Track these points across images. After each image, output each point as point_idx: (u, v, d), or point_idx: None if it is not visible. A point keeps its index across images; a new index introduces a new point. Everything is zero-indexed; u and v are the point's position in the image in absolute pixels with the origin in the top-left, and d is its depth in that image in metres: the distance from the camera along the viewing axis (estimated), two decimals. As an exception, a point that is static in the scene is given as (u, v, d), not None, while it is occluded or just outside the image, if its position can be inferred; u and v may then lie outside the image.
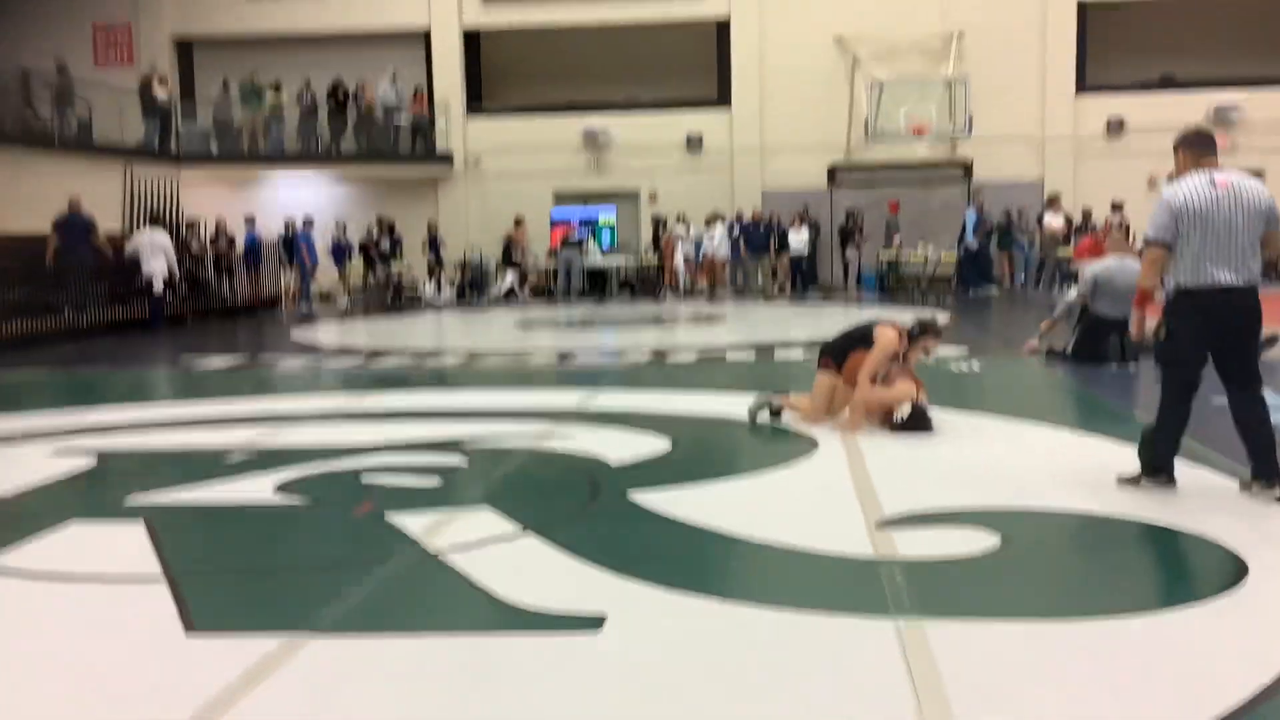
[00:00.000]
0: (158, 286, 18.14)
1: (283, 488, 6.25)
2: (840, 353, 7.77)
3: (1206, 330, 5.47)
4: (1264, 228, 5.43)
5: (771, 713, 3.25)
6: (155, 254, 18.20)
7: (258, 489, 6.25)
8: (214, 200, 24.44)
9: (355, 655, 3.75)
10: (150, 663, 3.78)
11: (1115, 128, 24.72)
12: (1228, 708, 3.18)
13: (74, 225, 17.69)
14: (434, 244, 24.28)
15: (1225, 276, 5.35)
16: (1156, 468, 5.70)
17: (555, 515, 5.54)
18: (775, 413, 7.94)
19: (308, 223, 23.24)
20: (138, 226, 21.39)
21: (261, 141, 25.56)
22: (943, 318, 16.78)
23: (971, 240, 22.62)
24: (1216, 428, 7.73)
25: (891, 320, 7.77)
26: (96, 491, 6.37)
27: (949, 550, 4.78)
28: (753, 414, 7.93)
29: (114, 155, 22.41)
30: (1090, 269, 11.14)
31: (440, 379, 11.38)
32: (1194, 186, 5.42)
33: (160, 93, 24.08)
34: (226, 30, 26.38)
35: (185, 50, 27.08)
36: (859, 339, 7.70)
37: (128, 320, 17.93)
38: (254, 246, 22.82)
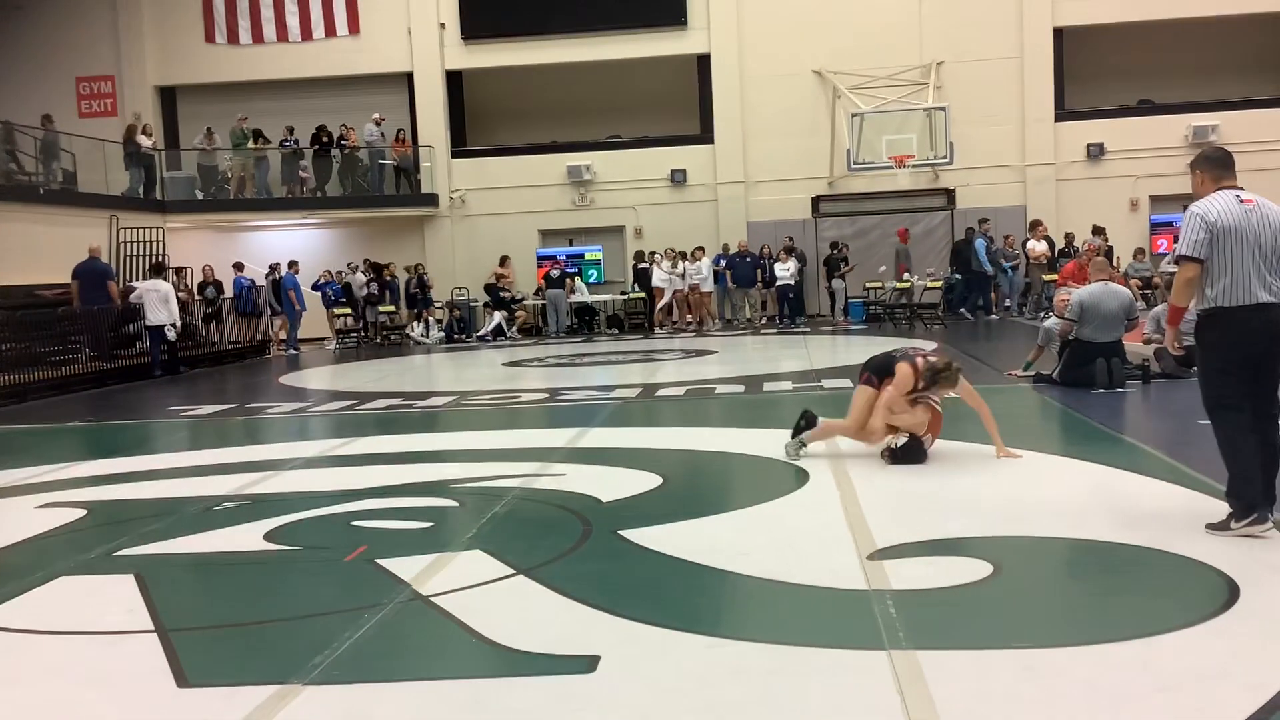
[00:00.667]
0: (170, 335, 18.30)
1: (272, 535, 6.23)
2: (880, 369, 7.66)
3: (1241, 348, 5.27)
4: None
5: (767, 750, 3.24)
6: (159, 304, 18.23)
7: (247, 538, 6.22)
8: (200, 247, 24.52)
9: (348, 704, 3.73)
10: (143, 717, 3.75)
11: (1095, 152, 24.91)
12: (1223, 732, 3.18)
13: (93, 273, 18.43)
14: (421, 285, 24.29)
15: (1262, 294, 5.21)
16: (1248, 506, 5.22)
17: (547, 555, 5.52)
18: (800, 431, 7.89)
19: (292, 266, 23.21)
20: (130, 276, 21.54)
21: (247, 188, 25.64)
22: (931, 347, 16.85)
23: (987, 267, 22.78)
24: (1203, 448, 7.77)
25: (919, 352, 7.68)
26: (86, 544, 6.33)
27: (941, 580, 4.78)
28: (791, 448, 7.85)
29: (100, 205, 22.46)
30: (1076, 294, 11.20)
31: (429, 421, 11.36)
32: (1226, 203, 5.29)
33: (144, 142, 24.17)
34: (209, 78, 26.48)
35: (169, 98, 27.19)
36: (890, 365, 7.63)
37: (130, 367, 18.11)
38: (241, 293, 22.82)
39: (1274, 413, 5.36)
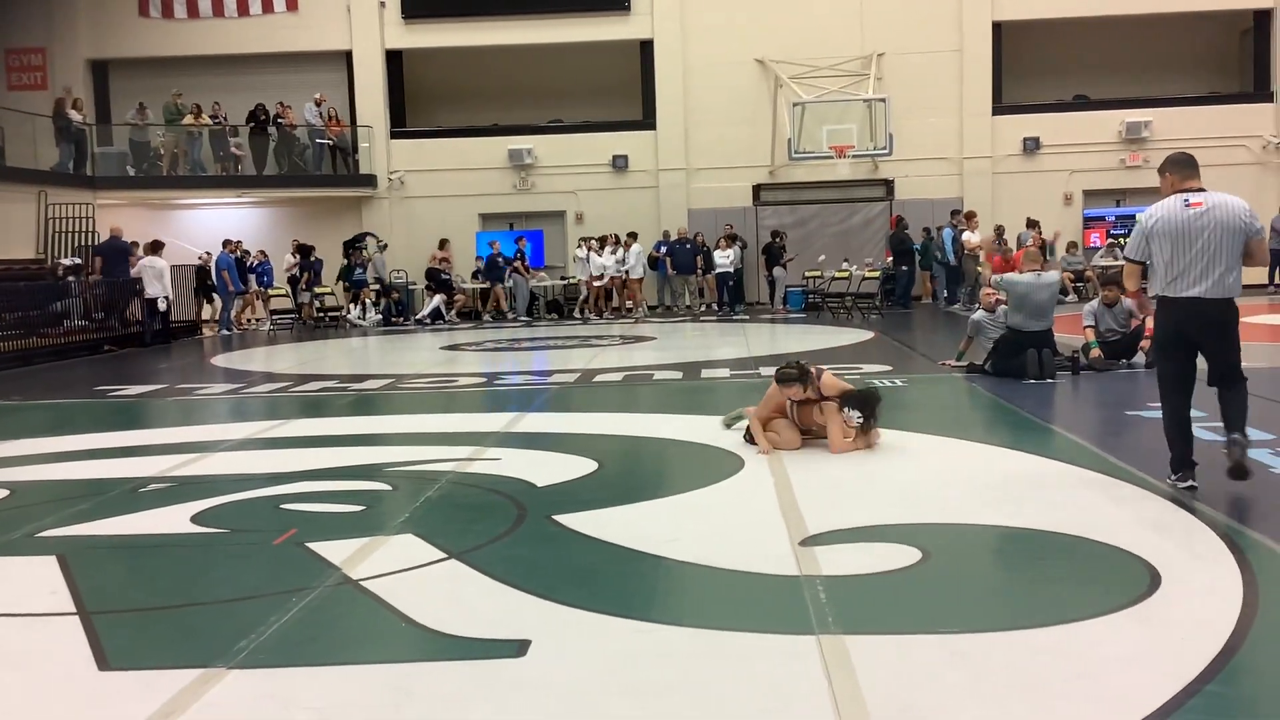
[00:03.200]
0: (161, 307, 19.96)
1: (200, 518, 6.14)
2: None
3: (1181, 332, 5.95)
4: (1244, 240, 5.86)
5: (695, 734, 3.25)
6: (156, 279, 19.96)
7: (174, 520, 6.13)
8: (131, 225, 23.97)
9: (274, 688, 3.68)
10: (63, 701, 3.68)
11: (1031, 146, 25.24)
12: (1143, 715, 3.23)
13: (115, 250, 20.20)
14: (356, 267, 24.03)
15: (1194, 289, 5.82)
16: (1174, 466, 6.06)
17: (479, 540, 5.49)
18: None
19: (226, 245, 22.85)
20: (58, 253, 21.21)
21: (181, 165, 25.20)
22: (866, 335, 16.99)
23: (950, 257, 22.95)
24: (1130, 439, 7.93)
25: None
26: (8, 524, 6.19)
27: (871, 566, 4.83)
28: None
29: (28, 180, 21.96)
30: (1009, 279, 11.32)
31: (364, 404, 11.26)
32: (1168, 208, 5.92)
33: (75, 116, 23.65)
34: (143, 52, 25.91)
35: (101, 72, 26.59)
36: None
37: (123, 338, 19.29)
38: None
39: (1238, 386, 5.95)
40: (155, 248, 20.81)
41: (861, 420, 7.36)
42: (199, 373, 15.35)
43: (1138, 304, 6.66)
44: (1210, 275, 5.79)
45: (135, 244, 20.80)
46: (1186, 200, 5.87)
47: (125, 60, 26.29)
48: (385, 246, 24.57)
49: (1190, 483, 5.93)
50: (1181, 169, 6.02)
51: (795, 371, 7.56)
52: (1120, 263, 23.35)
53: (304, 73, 25.86)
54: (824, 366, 7.98)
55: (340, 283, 24.15)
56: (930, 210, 24.35)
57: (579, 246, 24.30)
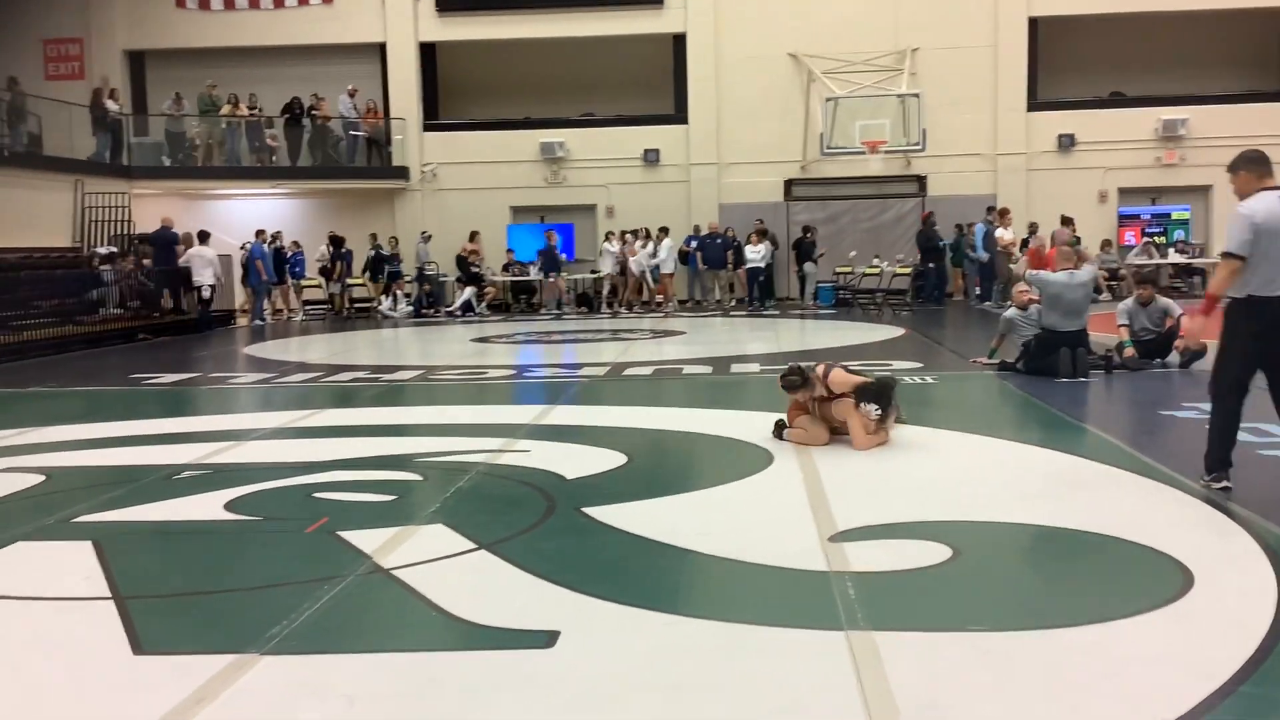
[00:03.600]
0: (205, 294, 20.91)
1: (233, 505, 6.19)
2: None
3: (1265, 334, 5.73)
4: None
5: (722, 728, 3.25)
6: (205, 267, 21.00)
7: (208, 507, 6.18)
8: (166, 214, 24.19)
9: (305, 675, 3.72)
10: (97, 684, 3.73)
11: (1066, 142, 25.04)
12: (1175, 716, 3.21)
13: (164, 240, 21.15)
14: (390, 259, 24.15)
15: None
16: (1211, 466, 5.95)
17: (509, 531, 5.51)
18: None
19: (259, 236, 23.02)
20: (94, 242, 21.48)
21: (216, 155, 25.38)
22: (897, 332, 16.91)
23: (982, 253, 22.81)
24: (1164, 439, 7.87)
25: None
26: (44, 510, 6.27)
27: (901, 563, 4.82)
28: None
29: (64, 169, 22.16)
30: (1042, 278, 11.24)
31: (395, 395, 11.32)
32: (1269, 204, 5.69)
33: (111, 106, 23.86)
34: (179, 43, 26.10)
35: (137, 63, 26.81)
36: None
37: (161, 326, 19.96)
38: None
39: None
40: (203, 238, 21.54)
41: (880, 413, 7.32)
42: (232, 362, 15.47)
43: (1201, 323, 6.12)
44: None
45: (187, 234, 21.59)
46: None
47: (162, 51, 26.49)
48: (429, 237, 24.65)
49: (1225, 483, 5.86)
50: (1259, 166, 5.88)
51: (797, 379, 7.58)
52: (1155, 261, 23.31)
53: (338, 65, 25.98)
54: (835, 363, 7.94)
55: (365, 274, 24.27)
56: (963, 206, 24.17)
57: (606, 240, 24.29)
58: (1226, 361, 5.91)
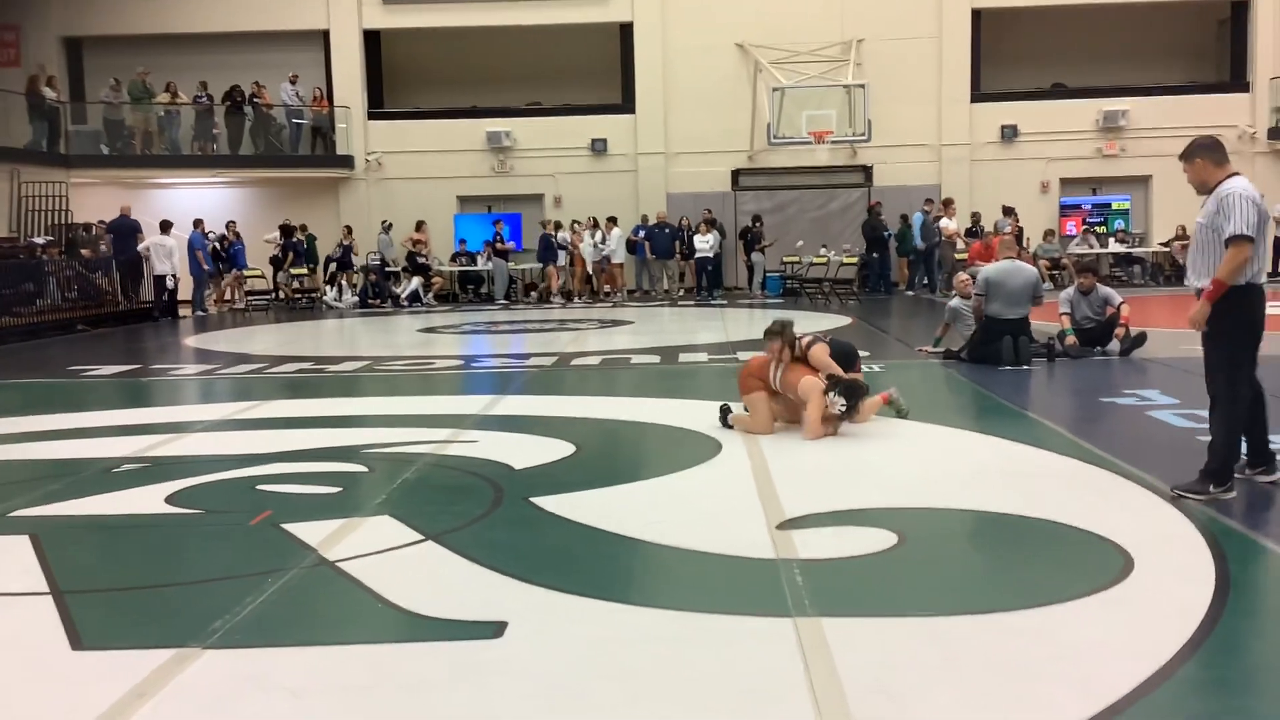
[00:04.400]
0: (169, 284, 21.15)
1: (175, 499, 6.10)
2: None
3: (1259, 325, 5.58)
4: None
5: (670, 714, 3.25)
6: (166, 257, 21.10)
7: (148, 500, 6.09)
8: (106, 203, 23.77)
9: (249, 668, 3.67)
10: (36, 681, 3.66)
11: (1009, 133, 25.31)
12: (1117, 698, 3.26)
13: (123, 228, 21.30)
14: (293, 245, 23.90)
15: (1262, 276, 5.56)
16: (1224, 476, 5.53)
17: (457, 522, 5.48)
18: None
19: (198, 225, 22.68)
20: (31, 232, 21.12)
21: (156, 144, 24.97)
22: (843, 321, 17.02)
23: (919, 242, 23.02)
24: (1105, 426, 7.98)
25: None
26: (-22, 505, 6.14)
27: (848, 550, 4.85)
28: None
29: (1, 159, 21.69)
30: (983, 270, 11.42)
31: (340, 386, 11.21)
32: (1253, 190, 5.51)
33: (48, 94, 23.39)
34: (118, 29, 25.61)
35: (74, 50, 26.28)
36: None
37: (108, 316, 20.05)
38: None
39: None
40: (165, 227, 21.52)
41: (845, 408, 7.33)
42: (174, 353, 15.25)
43: (1206, 310, 5.50)
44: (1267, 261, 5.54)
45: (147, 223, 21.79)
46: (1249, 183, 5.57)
47: (100, 38, 25.99)
48: (390, 226, 24.40)
49: (1234, 493, 5.54)
50: (1216, 153, 5.68)
51: (778, 327, 7.63)
52: (1096, 250, 23.64)
53: (280, 52, 25.61)
54: (821, 338, 7.95)
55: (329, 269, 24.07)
56: (909, 196, 24.37)
57: (556, 230, 24.18)
58: (1243, 355, 5.55)
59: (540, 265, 24.36)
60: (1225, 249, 5.41)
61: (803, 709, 3.24)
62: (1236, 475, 5.63)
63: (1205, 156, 5.66)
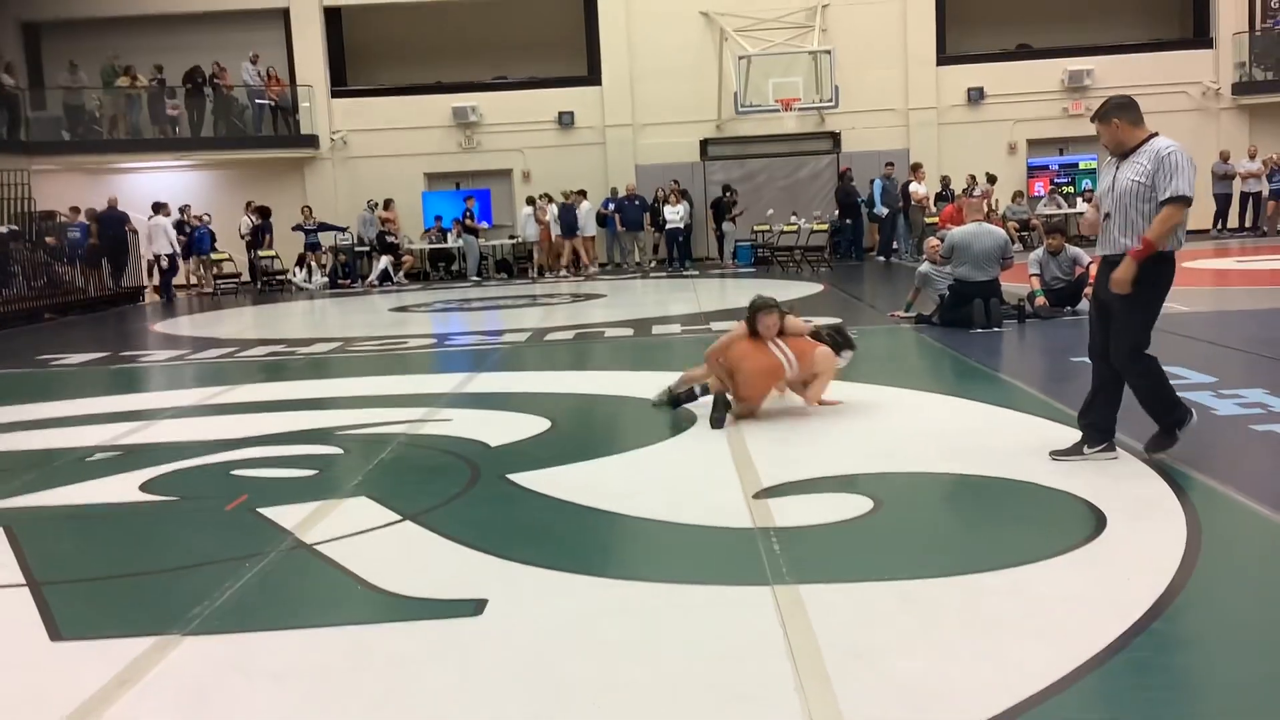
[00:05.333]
0: (164, 264, 21.94)
1: (149, 486, 6.07)
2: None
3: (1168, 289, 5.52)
4: None
5: (650, 683, 3.28)
6: (161, 236, 21.86)
7: (123, 488, 6.06)
8: (69, 191, 23.52)
9: (230, 653, 3.67)
10: (15, 672, 3.64)
11: (975, 96, 25.35)
12: (1091, 654, 3.30)
13: (113, 218, 21.77)
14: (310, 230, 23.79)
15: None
16: (1178, 426, 5.54)
17: (434, 501, 5.48)
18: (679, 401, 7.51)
19: (161, 210, 22.48)
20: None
21: (119, 128, 24.67)
22: (815, 288, 17.07)
23: (880, 209, 23.06)
24: (1076, 386, 8.03)
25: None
26: (-50, 499, 6.09)
27: (824, 517, 4.88)
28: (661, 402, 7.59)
29: (-42, 147, 21.43)
30: (950, 234, 11.48)
31: (312, 368, 11.16)
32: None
33: (6, 80, 23.06)
34: (75, 13, 25.27)
35: (32, 35, 25.94)
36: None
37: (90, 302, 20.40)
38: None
39: None
40: (159, 208, 22.22)
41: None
42: (143, 339, 15.14)
43: (1133, 270, 5.33)
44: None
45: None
46: None
47: (57, 22, 25.65)
48: (376, 205, 24.23)
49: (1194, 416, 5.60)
50: (1132, 112, 5.49)
51: (773, 300, 7.30)
52: (1064, 211, 23.75)
53: (240, 31, 25.36)
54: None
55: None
56: (878, 161, 24.40)
57: (527, 204, 24.06)
58: (1152, 318, 5.50)
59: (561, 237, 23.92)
60: (1158, 210, 5.29)
61: (782, 675, 3.27)
62: (1078, 457, 5.60)
63: (1122, 116, 5.47)
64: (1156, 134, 5.49)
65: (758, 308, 7.18)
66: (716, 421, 6.87)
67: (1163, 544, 4.28)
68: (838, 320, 7.72)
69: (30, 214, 21.88)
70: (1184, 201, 5.27)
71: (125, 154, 25.03)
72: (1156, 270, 5.37)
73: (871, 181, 23.59)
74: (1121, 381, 5.58)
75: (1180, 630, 3.56)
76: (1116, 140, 5.50)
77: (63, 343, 14.56)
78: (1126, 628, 3.48)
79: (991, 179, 23.44)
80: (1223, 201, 23.94)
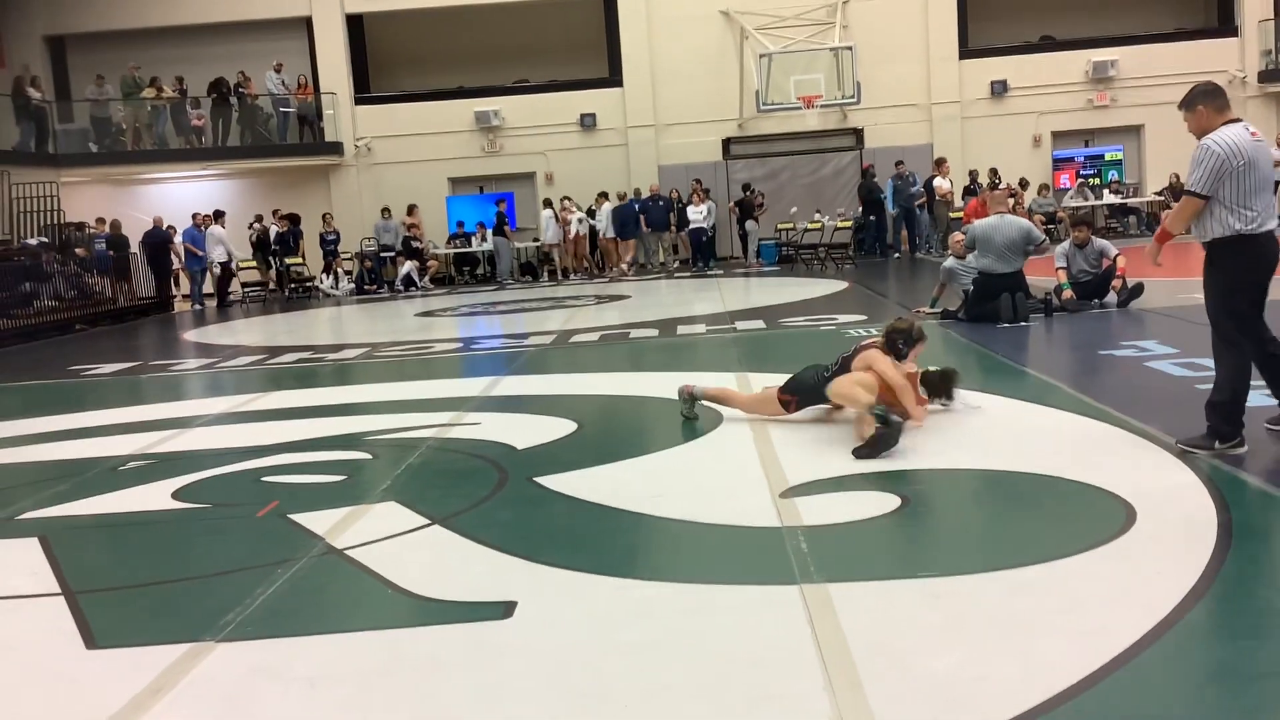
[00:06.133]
0: (216, 270, 22.75)
1: (180, 494, 6.13)
2: (811, 391, 6.79)
3: (1267, 270, 5.43)
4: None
5: (680, 684, 3.28)
6: (216, 245, 22.60)
7: (155, 496, 6.11)
8: (97, 202, 23.79)
9: (263, 659, 3.70)
10: (52, 682, 3.69)
11: (998, 89, 25.21)
12: (1121, 649, 3.29)
13: (158, 237, 22.32)
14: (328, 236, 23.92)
15: (1272, 223, 5.40)
16: (1233, 431, 5.44)
17: (462, 504, 5.51)
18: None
19: (218, 216, 22.83)
20: (24, 234, 21.22)
21: (145, 139, 24.90)
22: (840, 286, 17.02)
23: (892, 208, 22.98)
24: (1104, 379, 8.00)
25: (871, 340, 6.86)
26: (-13, 509, 6.17)
27: (851, 514, 4.88)
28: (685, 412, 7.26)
29: (-11, 161, 21.69)
30: (971, 227, 11.45)
31: (340, 374, 11.23)
32: (1239, 138, 5.35)
33: (34, 94, 23.32)
34: (100, 26, 25.50)
35: (58, 48, 26.19)
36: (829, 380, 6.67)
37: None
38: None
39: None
40: (217, 216, 22.92)
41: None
42: (173, 348, 15.26)
43: (1155, 249, 5.69)
44: (1273, 206, 5.43)
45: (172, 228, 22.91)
46: (1247, 129, 5.43)
47: (82, 35, 25.89)
48: (389, 213, 24.35)
49: (1244, 448, 5.43)
50: (1217, 99, 5.51)
51: (917, 331, 6.78)
52: (1091, 203, 23.60)
53: (264, 41, 25.52)
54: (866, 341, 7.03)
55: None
56: (901, 157, 24.31)
57: (545, 207, 24.03)
58: (1238, 304, 5.42)
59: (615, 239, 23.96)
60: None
61: (811, 675, 3.27)
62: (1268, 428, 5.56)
63: (1207, 103, 5.50)
64: (1234, 120, 5.45)
65: (918, 339, 6.73)
66: (888, 441, 5.87)
67: (1193, 537, 4.25)
68: (953, 370, 7.26)
69: (59, 225, 22.15)
70: (1190, 194, 5.35)
71: (152, 164, 25.25)
72: (1220, 256, 5.40)
73: (909, 175, 23.47)
74: (1265, 360, 5.48)
75: (1211, 624, 3.54)
76: (1200, 128, 5.50)
77: (94, 353, 14.70)
78: (1157, 622, 3.46)
79: (1024, 184, 23.23)
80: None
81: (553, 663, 3.51)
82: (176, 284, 23.07)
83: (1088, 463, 5.42)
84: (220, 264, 22.70)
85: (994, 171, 23.06)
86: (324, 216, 24.24)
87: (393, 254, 24.07)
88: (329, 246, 23.84)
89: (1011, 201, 16.12)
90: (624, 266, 23.63)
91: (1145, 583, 3.84)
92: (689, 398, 7.25)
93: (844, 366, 6.65)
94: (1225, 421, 5.41)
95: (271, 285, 23.70)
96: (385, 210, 24.50)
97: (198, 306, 22.04)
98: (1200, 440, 5.47)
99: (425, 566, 4.55)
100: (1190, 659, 3.30)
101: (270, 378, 11.15)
